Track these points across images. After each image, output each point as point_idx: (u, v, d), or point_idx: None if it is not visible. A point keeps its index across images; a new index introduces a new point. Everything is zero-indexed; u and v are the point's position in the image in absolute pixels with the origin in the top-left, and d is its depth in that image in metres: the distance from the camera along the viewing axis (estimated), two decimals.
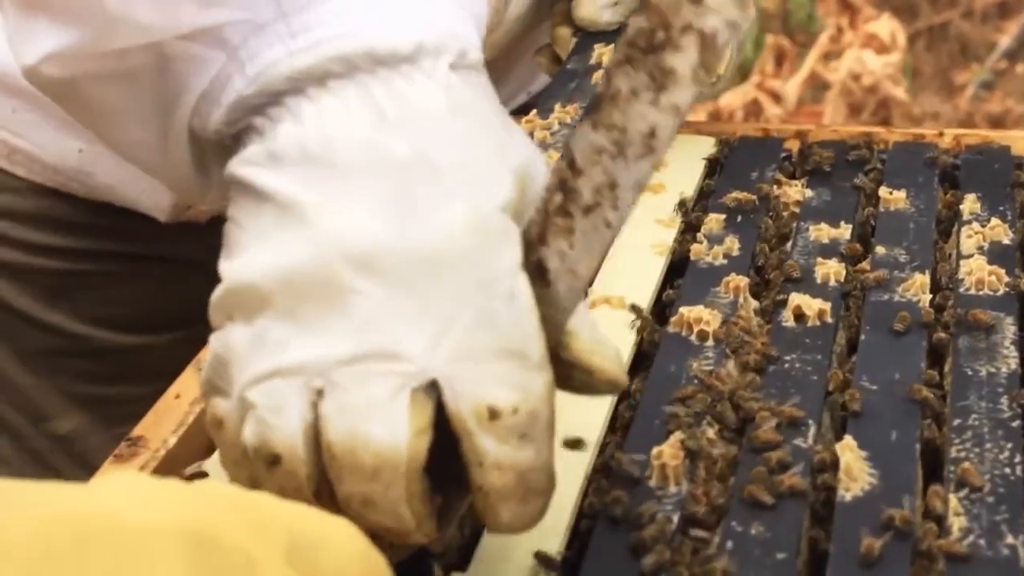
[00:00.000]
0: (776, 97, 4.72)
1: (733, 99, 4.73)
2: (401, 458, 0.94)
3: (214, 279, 1.73)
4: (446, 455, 0.96)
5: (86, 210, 1.68)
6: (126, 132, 1.13)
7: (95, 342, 1.73)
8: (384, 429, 0.94)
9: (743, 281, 1.44)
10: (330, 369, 0.95)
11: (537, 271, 0.97)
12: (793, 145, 1.74)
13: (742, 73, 5.23)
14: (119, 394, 1.74)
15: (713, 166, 1.71)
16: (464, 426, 0.95)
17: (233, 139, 1.05)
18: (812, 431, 1.22)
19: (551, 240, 0.96)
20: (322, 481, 0.97)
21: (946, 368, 1.33)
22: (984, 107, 5.21)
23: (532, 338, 0.95)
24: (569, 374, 1.02)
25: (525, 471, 0.96)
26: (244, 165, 1.01)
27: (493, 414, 0.94)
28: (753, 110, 4.69)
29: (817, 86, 4.90)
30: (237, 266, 1.01)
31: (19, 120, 1.64)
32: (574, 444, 1.23)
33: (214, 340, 1.02)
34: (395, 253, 0.96)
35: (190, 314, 1.76)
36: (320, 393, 0.96)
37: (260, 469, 0.98)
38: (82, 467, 1.73)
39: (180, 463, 1.25)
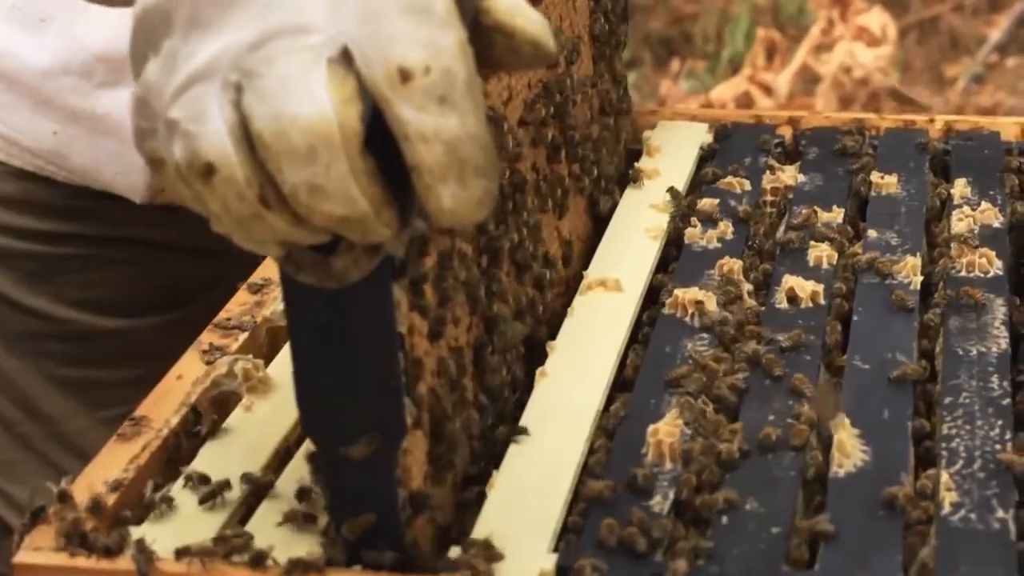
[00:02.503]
0: (767, 90, 4.73)
1: (724, 92, 4.74)
2: (332, 130, 0.92)
3: (195, 262, 1.75)
4: (391, 164, 0.95)
5: (65, 194, 1.69)
6: None
7: (77, 325, 1.73)
8: (308, 104, 0.92)
9: (736, 264, 1.45)
10: (241, 59, 0.94)
11: None
12: (786, 131, 1.75)
13: (733, 66, 5.24)
14: (102, 377, 1.75)
15: (707, 152, 1.72)
16: (381, 94, 0.93)
17: None
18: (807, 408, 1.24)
19: None
20: (265, 185, 0.94)
21: (937, 348, 1.35)
22: (975, 100, 5.23)
23: None
24: (491, 41, 0.99)
25: (452, 141, 0.93)
26: None
27: (405, 75, 0.92)
28: (744, 102, 4.69)
29: (808, 79, 4.91)
30: (138, 3, 0.99)
31: None
32: None
33: (135, 88, 1.00)
34: None
35: (171, 298, 1.77)
36: (239, 89, 0.94)
37: (199, 187, 0.95)
38: (68, 450, 1.73)
39: (182, 443, 1.26)
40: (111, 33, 1.60)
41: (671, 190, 1.60)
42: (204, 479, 1.20)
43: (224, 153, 0.93)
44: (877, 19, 4.83)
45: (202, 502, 1.18)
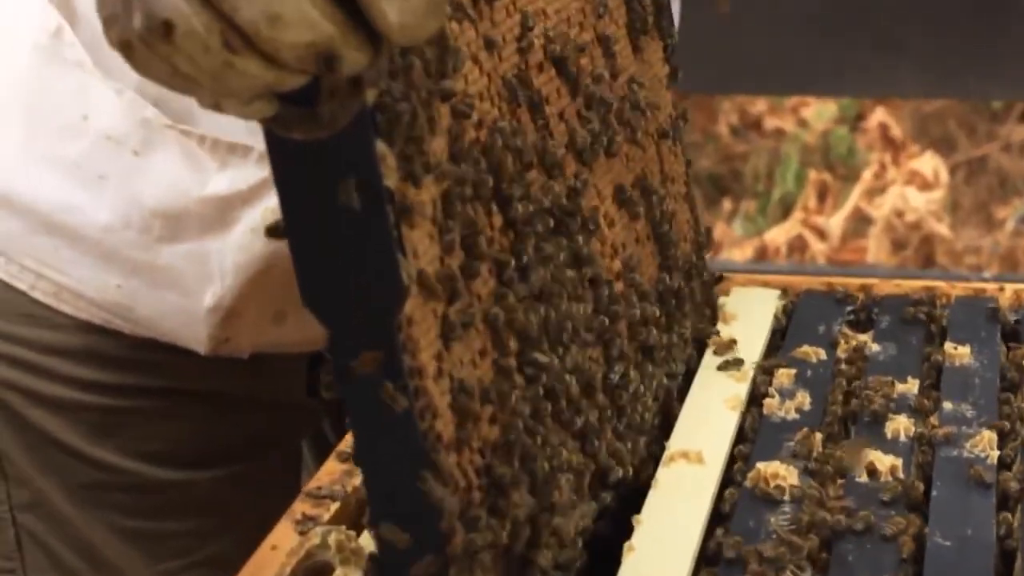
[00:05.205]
0: (821, 233, 4.78)
1: (778, 235, 4.79)
2: None
3: (257, 416, 1.77)
4: None
5: (130, 346, 1.72)
6: None
7: (140, 477, 1.76)
8: None
9: (816, 435, 1.48)
10: None
11: None
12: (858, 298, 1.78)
13: (784, 205, 5.29)
14: (163, 529, 1.77)
15: (781, 320, 1.76)
16: None
17: None
18: None
19: None
20: (226, 30, 0.95)
21: (1016, 521, 1.36)
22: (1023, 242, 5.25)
23: None
24: None
25: None
26: None
27: None
28: (797, 245, 4.74)
29: (860, 220, 4.95)
30: None
31: (61, 258, 1.69)
32: None
33: None
34: None
35: (233, 451, 1.79)
36: None
37: (165, 50, 0.96)
38: None
39: None
40: (165, 190, 1.64)
41: (757, 364, 1.64)
42: None
43: (177, 6, 0.95)
44: (929, 163, 4.88)
45: None
